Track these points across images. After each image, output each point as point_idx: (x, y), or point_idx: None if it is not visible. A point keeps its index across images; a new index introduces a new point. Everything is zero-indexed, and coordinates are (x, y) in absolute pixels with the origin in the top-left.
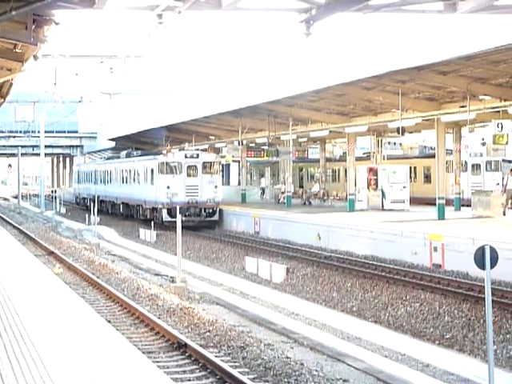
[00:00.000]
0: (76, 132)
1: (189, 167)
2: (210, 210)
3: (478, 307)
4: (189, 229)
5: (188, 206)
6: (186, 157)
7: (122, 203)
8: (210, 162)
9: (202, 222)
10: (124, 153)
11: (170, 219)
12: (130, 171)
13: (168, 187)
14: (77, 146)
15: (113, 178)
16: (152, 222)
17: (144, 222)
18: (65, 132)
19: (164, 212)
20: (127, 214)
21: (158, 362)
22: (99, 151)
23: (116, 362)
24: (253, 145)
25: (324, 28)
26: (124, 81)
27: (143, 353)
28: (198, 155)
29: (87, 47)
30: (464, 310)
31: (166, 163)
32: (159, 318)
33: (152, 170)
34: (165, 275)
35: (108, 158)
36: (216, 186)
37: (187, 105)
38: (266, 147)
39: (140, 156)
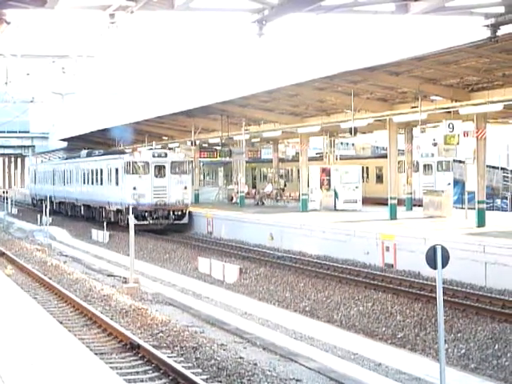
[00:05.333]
0: (27, 132)
1: (156, 167)
2: (179, 213)
3: (429, 306)
4: (142, 230)
5: (156, 208)
6: (153, 156)
7: (83, 205)
8: (179, 162)
9: (171, 226)
10: (85, 152)
11: (136, 222)
12: (92, 171)
13: (134, 188)
14: (28, 147)
15: (73, 179)
16: (104, 223)
17: (97, 222)
18: (16, 132)
19: None
20: (88, 217)
21: (110, 363)
22: (52, 151)
23: (68, 364)
24: (206, 145)
25: (277, 28)
26: (76, 81)
27: (96, 354)
28: (166, 154)
29: (39, 47)
30: (416, 309)
31: (133, 163)
32: (112, 318)
33: (117, 170)
34: (117, 276)
35: (67, 158)
36: (185, 187)
37: (140, 105)
38: (219, 147)
39: (103, 155)
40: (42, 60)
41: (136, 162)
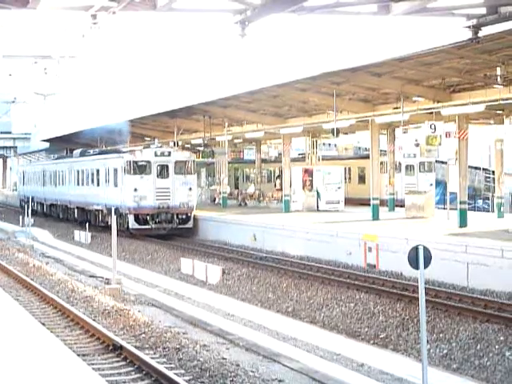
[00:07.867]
0: (9, 133)
1: (159, 167)
2: (184, 216)
3: (411, 307)
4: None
5: (158, 212)
6: (155, 155)
7: (78, 208)
8: (184, 161)
9: (175, 230)
10: (78, 151)
11: (137, 226)
12: (87, 172)
13: (135, 190)
14: (10, 147)
15: (65, 180)
16: (87, 224)
17: (88, 225)
18: None
19: (131, 218)
20: (83, 221)
21: (93, 364)
22: (34, 152)
23: (50, 365)
24: (188, 146)
25: (259, 29)
26: (58, 81)
27: (78, 355)
28: (169, 153)
29: (21, 47)
30: (398, 309)
31: (134, 162)
32: (94, 319)
33: (115, 170)
34: (100, 277)
35: (59, 157)
36: (190, 189)
37: (122, 105)
38: (201, 148)
39: (99, 154)
40: (24, 60)
41: (137, 162)
